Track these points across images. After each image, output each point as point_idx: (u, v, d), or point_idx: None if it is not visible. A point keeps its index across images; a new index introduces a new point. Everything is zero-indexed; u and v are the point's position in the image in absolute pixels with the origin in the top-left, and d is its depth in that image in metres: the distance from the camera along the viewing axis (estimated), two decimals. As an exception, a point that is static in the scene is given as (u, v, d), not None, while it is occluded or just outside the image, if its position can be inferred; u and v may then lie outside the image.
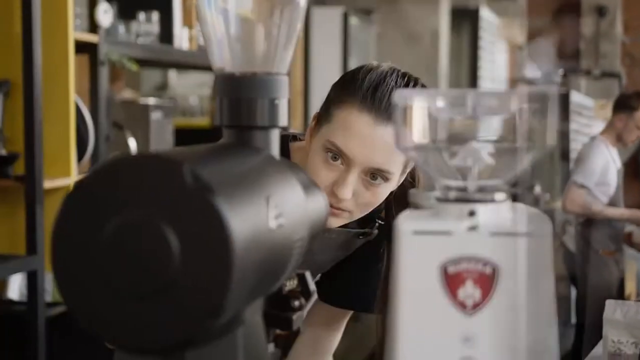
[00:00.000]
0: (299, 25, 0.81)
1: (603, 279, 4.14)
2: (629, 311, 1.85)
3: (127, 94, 3.68)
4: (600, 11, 9.00)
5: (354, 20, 4.67)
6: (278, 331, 0.80)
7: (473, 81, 7.41)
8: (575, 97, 7.12)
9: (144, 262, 0.59)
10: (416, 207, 0.76)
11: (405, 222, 0.67)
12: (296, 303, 0.79)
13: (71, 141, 2.47)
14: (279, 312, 0.79)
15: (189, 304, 0.59)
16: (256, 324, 0.71)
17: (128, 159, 0.61)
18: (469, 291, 0.66)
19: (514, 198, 0.70)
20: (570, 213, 4.24)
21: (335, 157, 1.23)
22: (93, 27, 2.61)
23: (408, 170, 1.32)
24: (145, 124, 2.96)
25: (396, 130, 0.70)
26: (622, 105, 4.24)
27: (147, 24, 2.95)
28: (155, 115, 2.96)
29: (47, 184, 2.37)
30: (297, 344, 1.50)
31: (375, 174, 1.24)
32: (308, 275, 0.83)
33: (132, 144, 2.90)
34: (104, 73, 2.63)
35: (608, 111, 8.58)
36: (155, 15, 2.98)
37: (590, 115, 7.74)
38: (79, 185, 0.61)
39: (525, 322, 0.65)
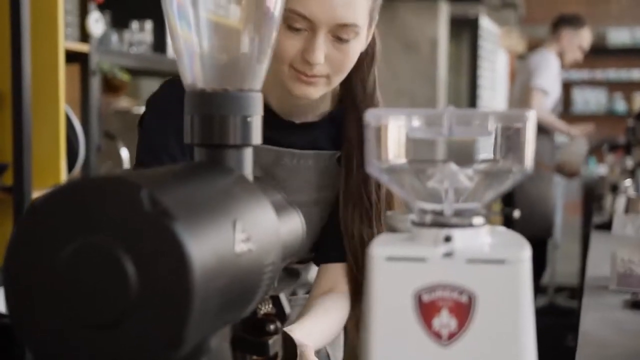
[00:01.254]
0: (273, 39, 0.78)
1: (542, 193, 4.16)
2: None
3: (124, 102, 3.66)
4: None
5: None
6: (254, 357, 0.77)
7: (472, 90, 7.39)
8: (484, 22, 7.13)
9: (99, 290, 0.56)
10: (392, 229, 0.73)
11: (379, 248, 0.64)
12: (271, 327, 0.76)
13: (61, 151, 2.44)
14: (253, 337, 0.76)
15: (147, 334, 0.56)
16: (223, 352, 0.69)
17: (85, 181, 0.58)
18: (445, 321, 0.63)
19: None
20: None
21: (297, 29, 1.19)
22: (85, 36, 2.58)
23: (375, 22, 1.28)
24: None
25: (369, 150, 0.67)
26: (570, 21, 4.32)
27: (140, 33, 2.92)
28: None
29: (37, 194, 2.34)
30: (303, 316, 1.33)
31: (342, 33, 1.19)
32: (283, 297, 0.80)
33: (125, 154, 2.87)
34: (95, 83, 2.60)
35: (513, 39, 8.58)
36: (148, 24, 2.96)
37: (495, 42, 7.77)
38: (33, 207, 0.58)
39: (503, 353, 0.62)
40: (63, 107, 2.44)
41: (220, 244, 0.60)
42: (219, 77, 0.76)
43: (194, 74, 0.76)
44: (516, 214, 4.21)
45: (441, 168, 0.66)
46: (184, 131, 0.76)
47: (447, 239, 0.64)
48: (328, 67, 1.22)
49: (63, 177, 2.46)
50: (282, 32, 1.18)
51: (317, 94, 1.25)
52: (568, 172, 4.64)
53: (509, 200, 4.19)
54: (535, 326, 0.63)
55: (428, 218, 0.66)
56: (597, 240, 2.65)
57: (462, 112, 0.65)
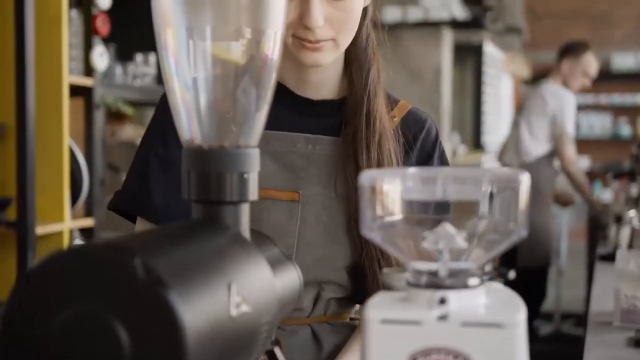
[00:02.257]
0: (269, 96, 0.79)
1: (540, 220, 4.14)
2: None
3: (129, 130, 3.67)
4: None
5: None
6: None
7: (477, 116, 7.40)
8: (488, 48, 7.14)
9: (93, 359, 0.56)
10: (388, 287, 0.73)
11: (374, 310, 0.64)
12: (268, 382, 0.76)
13: (65, 186, 2.45)
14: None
15: (141, 402, 0.56)
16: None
17: (79, 249, 0.58)
18: (440, 384, 0.62)
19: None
20: (567, 174, 4.27)
21: None
22: (89, 70, 2.60)
23: None
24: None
25: (363, 210, 0.67)
26: (569, 50, 4.33)
27: (145, 65, 2.94)
28: (153, 157, 2.93)
29: (40, 229, 2.34)
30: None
31: None
32: (278, 351, 0.80)
33: (128, 186, 2.87)
34: (99, 116, 2.61)
35: (517, 64, 8.61)
36: (152, 57, 2.98)
37: (499, 67, 7.78)
38: (28, 275, 0.58)
39: (498, 417, 0.62)
40: (67, 141, 2.45)
41: (215, 309, 0.60)
42: (216, 133, 0.76)
43: (191, 130, 0.77)
44: (511, 274, 4.22)
45: (436, 229, 0.66)
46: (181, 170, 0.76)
47: (442, 301, 0.64)
48: (331, 29, 1.15)
49: (67, 211, 2.46)
50: None
51: (327, 59, 1.18)
52: (563, 202, 4.64)
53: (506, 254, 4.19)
54: (541, 354, 0.63)
55: (423, 279, 0.66)
56: (601, 272, 2.64)
57: (456, 172, 0.65)
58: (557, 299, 5.29)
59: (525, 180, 0.64)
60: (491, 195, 0.66)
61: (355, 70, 1.24)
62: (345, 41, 1.18)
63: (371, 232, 0.67)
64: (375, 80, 1.24)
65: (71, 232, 2.56)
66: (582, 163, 9.85)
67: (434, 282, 0.65)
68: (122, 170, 2.91)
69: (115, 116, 3.48)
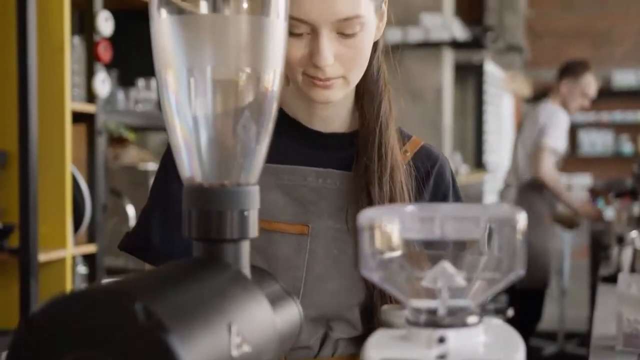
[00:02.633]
0: (270, 132, 0.79)
1: (540, 244, 4.14)
2: None
3: (132, 153, 3.68)
4: None
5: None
6: None
7: (479, 135, 7.42)
8: (489, 67, 7.15)
9: (94, 403, 0.57)
10: (388, 324, 0.73)
11: (374, 350, 0.65)
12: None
13: (67, 212, 2.45)
14: None
15: None
16: None
17: (80, 294, 0.59)
18: None
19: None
20: (540, 181, 4.26)
21: (299, 34, 1.11)
22: (91, 96, 2.61)
23: (384, 4, 1.20)
24: (145, 190, 2.95)
25: (362, 250, 0.67)
26: (568, 71, 4.34)
27: (146, 90, 2.96)
28: (155, 181, 2.94)
29: (43, 256, 2.34)
30: None
31: (345, 28, 1.11)
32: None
33: (131, 211, 2.89)
34: (101, 142, 2.63)
35: (518, 83, 8.62)
36: (154, 82, 2.99)
37: (500, 86, 7.79)
38: (28, 321, 0.59)
39: None
40: (69, 168, 2.45)
41: (216, 351, 0.61)
42: (216, 171, 0.77)
43: (192, 168, 0.77)
44: (510, 312, 4.22)
45: (434, 267, 0.67)
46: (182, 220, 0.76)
47: (441, 340, 0.64)
48: (341, 67, 1.14)
49: (69, 238, 2.47)
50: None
51: (338, 96, 1.17)
52: (567, 224, 4.64)
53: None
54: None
55: (422, 318, 0.66)
56: (603, 294, 2.64)
57: (454, 212, 0.66)
58: (561, 319, 5.28)
59: (522, 219, 0.65)
60: (489, 233, 0.67)
61: (367, 103, 1.23)
62: (356, 78, 1.17)
63: (370, 272, 0.67)
64: (387, 113, 1.23)
65: (74, 258, 2.56)
66: (584, 180, 9.88)
67: (433, 321, 0.66)
68: (124, 195, 2.92)
69: (117, 139, 3.50)
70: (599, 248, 4.39)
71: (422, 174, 1.26)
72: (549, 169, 4.22)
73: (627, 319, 1.77)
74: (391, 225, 0.67)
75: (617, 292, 1.80)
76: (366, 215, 0.67)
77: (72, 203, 2.48)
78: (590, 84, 4.38)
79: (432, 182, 1.27)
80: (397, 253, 0.68)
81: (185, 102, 0.76)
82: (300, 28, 1.11)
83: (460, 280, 0.67)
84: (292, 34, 1.12)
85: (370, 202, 1.18)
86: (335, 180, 1.22)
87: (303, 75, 1.15)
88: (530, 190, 4.32)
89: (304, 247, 1.19)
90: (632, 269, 2.66)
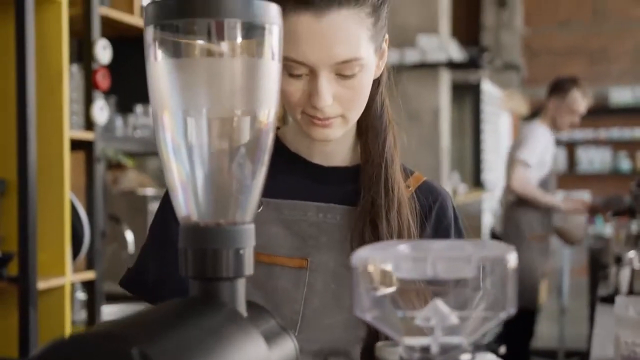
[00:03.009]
0: (264, 171, 0.80)
1: (527, 264, 4.13)
2: None
3: (132, 177, 3.69)
4: (501, 2, 9.11)
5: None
6: None
7: (476, 154, 7.44)
8: (486, 86, 7.17)
9: None
10: (383, 362, 0.74)
11: (367, 388, 0.66)
12: None
13: (66, 240, 2.46)
14: None
15: None
16: None
17: (78, 338, 0.60)
18: None
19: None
20: (514, 191, 4.26)
21: (298, 75, 1.12)
22: (90, 124, 2.63)
23: (384, 43, 1.20)
24: (144, 215, 2.96)
25: (355, 289, 0.68)
26: (555, 88, 4.35)
27: (144, 116, 2.97)
28: (154, 206, 2.96)
29: (42, 284, 2.35)
30: None
31: (344, 70, 1.12)
32: None
33: (130, 236, 2.89)
34: (99, 170, 2.64)
35: (515, 101, 8.63)
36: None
37: (497, 104, 7.81)
38: (28, 365, 0.60)
39: None
40: (68, 195, 2.46)
41: (212, 392, 0.62)
42: (212, 210, 0.78)
43: (188, 207, 0.78)
44: (502, 350, 4.21)
45: (428, 306, 0.68)
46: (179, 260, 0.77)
47: (435, 379, 0.65)
48: (339, 106, 1.15)
49: (68, 265, 2.47)
50: (285, 80, 1.12)
51: (337, 134, 1.18)
52: (568, 240, 4.64)
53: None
54: None
55: (415, 355, 0.67)
56: (602, 315, 2.64)
57: (446, 252, 0.67)
58: (561, 337, 5.27)
59: (512, 258, 0.66)
60: (481, 272, 0.68)
61: (372, 139, 1.24)
62: (355, 116, 1.18)
63: (364, 311, 0.68)
64: (391, 148, 1.24)
65: (72, 285, 2.57)
66: (582, 197, 9.88)
67: (427, 358, 0.67)
68: (123, 220, 2.93)
69: (117, 164, 3.51)
70: (598, 266, 4.40)
71: (425, 208, 1.27)
72: (518, 180, 4.23)
73: (625, 342, 1.77)
74: (384, 265, 0.68)
75: (614, 314, 1.80)
76: (359, 256, 0.68)
77: (71, 230, 2.49)
78: (577, 100, 4.37)
79: (434, 217, 1.27)
80: (390, 292, 0.69)
81: (182, 143, 0.77)
82: (300, 69, 1.12)
83: (453, 318, 0.68)
84: (291, 74, 1.13)
85: (377, 237, 1.18)
86: (336, 215, 1.23)
87: (302, 114, 1.16)
88: (515, 208, 4.34)
89: (303, 280, 1.20)
90: (631, 290, 2.66)
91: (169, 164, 0.79)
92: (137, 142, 2.95)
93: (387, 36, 1.22)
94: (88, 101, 2.61)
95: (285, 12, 1.09)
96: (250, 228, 0.79)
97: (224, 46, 0.76)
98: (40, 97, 2.39)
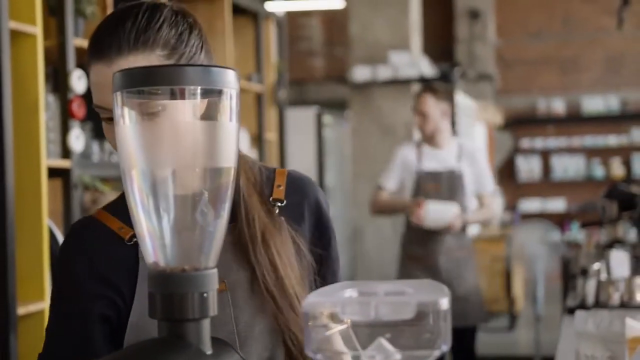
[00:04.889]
0: (225, 219, 0.88)
1: (464, 280, 4.07)
2: (602, 321, 1.75)
3: (111, 197, 3.73)
4: (474, 14, 9.24)
5: (327, 119, 4.81)
6: None
7: (451, 165, 7.52)
8: (460, 99, 7.28)
9: None
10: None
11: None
12: None
13: (44, 266, 2.52)
14: None
15: None
16: None
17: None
18: None
19: None
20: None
21: (109, 118, 1.16)
22: (66, 151, 2.69)
23: None
24: (121, 237, 3.01)
25: (306, 332, 0.76)
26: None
27: (120, 141, 3.04)
28: (131, 228, 3.01)
29: (21, 310, 2.40)
30: None
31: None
32: None
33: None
34: (76, 196, 2.70)
35: (489, 112, 8.72)
36: (128, 133, 3.08)
37: (472, 115, 7.91)
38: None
39: None
40: (46, 222, 2.52)
41: None
42: (178, 257, 0.86)
43: (155, 255, 0.86)
44: None
45: (372, 344, 0.75)
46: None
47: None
48: None
49: (47, 290, 2.53)
50: (104, 127, 1.20)
51: None
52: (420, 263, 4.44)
53: None
54: None
55: (362, 390, 0.75)
56: (568, 326, 2.72)
57: (388, 298, 0.75)
58: (536, 344, 5.36)
59: (444, 304, 0.73)
60: (419, 314, 0.76)
61: None
62: None
63: (315, 352, 0.76)
64: (245, 186, 1.27)
65: (52, 309, 2.62)
66: (558, 205, 10.04)
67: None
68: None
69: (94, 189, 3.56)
70: (569, 275, 4.46)
71: (299, 206, 1.31)
72: (372, 202, 4.20)
73: (585, 355, 1.84)
74: (332, 310, 0.75)
75: (574, 329, 1.87)
76: (309, 302, 0.76)
77: (50, 256, 2.55)
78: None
79: (305, 208, 1.31)
80: (338, 333, 0.77)
81: (149, 196, 0.84)
82: (107, 113, 1.17)
83: (396, 355, 0.75)
84: (104, 119, 1.19)
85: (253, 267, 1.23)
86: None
87: None
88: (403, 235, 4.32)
89: (227, 302, 1.22)
90: (597, 301, 2.73)
91: (137, 215, 0.86)
92: (113, 167, 3.01)
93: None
94: (64, 130, 2.67)
95: (89, 63, 1.19)
96: (214, 272, 0.86)
97: (186, 110, 0.84)
98: (18, 126, 2.45)
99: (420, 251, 4.11)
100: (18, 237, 2.42)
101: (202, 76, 0.83)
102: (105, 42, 1.17)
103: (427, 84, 4.36)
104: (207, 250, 0.87)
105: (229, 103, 0.84)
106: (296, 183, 1.34)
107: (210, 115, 0.84)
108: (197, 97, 0.83)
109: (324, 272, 1.32)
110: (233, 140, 0.85)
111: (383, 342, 0.76)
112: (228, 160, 0.85)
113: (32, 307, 2.47)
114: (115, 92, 0.84)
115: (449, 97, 4.22)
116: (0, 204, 2.36)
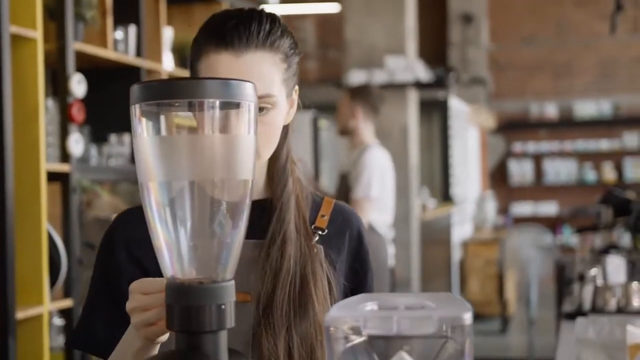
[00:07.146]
0: (242, 232, 0.88)
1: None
2: (603, 328, 1.76)
3: (105, 199, 3.72)
4: (467, 19, 9.26)
5: (323, 124, 4.81)
6: None
7: (445, 168, 7.55)
8: (453, 103, 7.31)
9: None
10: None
11: None
12: None
13: (44, 270, 2.51)
14: None
15: None
16: None
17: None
18: None
19: None
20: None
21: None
22: (65, 155, 2.68)
23: (294, 92, 1.27)
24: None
25: (328, 345, 0.76)
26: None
27: (119, 145, 3.04)
28: (128, 232, 3.00)
29: (20, 314, 2.40)
30: None
31: (259, 102, 1.13)
32: None
33: (105, 263, 2.93)
34: (75, 200, 2.70)
35: (482, 116, 8.72)
36: (126, 137, 3.07)
37: (465, 119, 7.94)
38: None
39: None
40: (45, 226, 2.52)
41: None
42: (196, 270, 0.86)
43: (174, 268, 0.86)
44: None
45: (394, 357, 0.76)
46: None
47: None
48: None
49: (46, 294, 2.52)
50: None
51: None
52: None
53: None
54: None
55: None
56: (566, 332, 2.72)
57: (410, 313, 0.75)
58: (530, 347, 5.38)
59: (467, 319, 0.74)
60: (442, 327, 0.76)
61: (275, 185, 1.28)
62: (266, 153, 1.23)
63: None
64: (289, 193, 1.28)
65: (50, 314, 2.62)
66: (550, 208, 10.07)
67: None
68: (97, 247, 2.97)
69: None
70: (564, 279, 4.47)
71: (339, 234, 1.32)
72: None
73: (586, 362, 1.85)
74: (354, 324, 0.76)
75: (575, 336, 1.87)
76: (331, 316, 0.76)
77: (49, 260, 2.54)
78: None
79: (347, 239, 1.33)
80: (360, 346, 0.77)
81: (167, 210, 0.85)
82: None
83: (416, 369, 0.76)
84: None
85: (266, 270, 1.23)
86: (247, 251, 1.21)
87: None
88: None
89: (248, 314, 1.22)
90: (593, 307, 2.74)
91: (154, 228, 0.86)
92: (111, 171, 3.01)
93: (297, 87, 1.29)
94: (63, 134, 2.67)
95: (207, 52, 1.19)
96: (231, 284, 0.87)
97: (205, 123, 0.84)
98: (17, 131, 2.45)
99: None
100: (17, 241, 2.41)
101: (221, 89, 0.84)
102: (234, 33, 1.18)
103: (355, 86, 4.33)
104: (224, 262, 0.87)
105: (247, 116, 0.85)
106: (341, 214, 1.34)
107: (228, 127, 0.85)
108: (216, 110, 0.83)
109: None
110: (251, 153, 0.86)
111: (404, 355, 0.76)
112: (246, 173, 0.86)
113: (31, 312, 2.46)
114: (133, 104, 0.84)
115: (368, 102, 4.12)
116: (0, 210, 2.36)
